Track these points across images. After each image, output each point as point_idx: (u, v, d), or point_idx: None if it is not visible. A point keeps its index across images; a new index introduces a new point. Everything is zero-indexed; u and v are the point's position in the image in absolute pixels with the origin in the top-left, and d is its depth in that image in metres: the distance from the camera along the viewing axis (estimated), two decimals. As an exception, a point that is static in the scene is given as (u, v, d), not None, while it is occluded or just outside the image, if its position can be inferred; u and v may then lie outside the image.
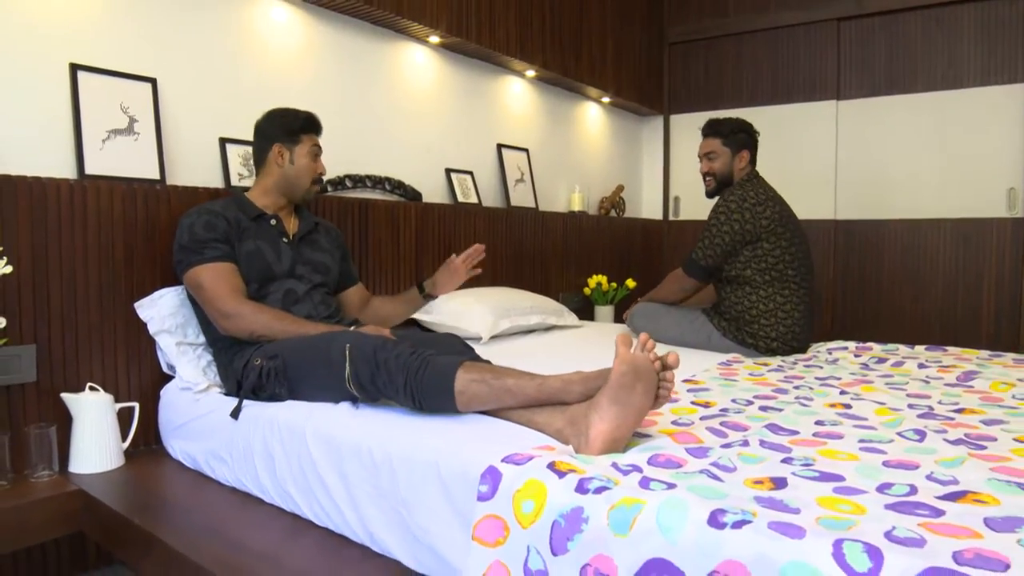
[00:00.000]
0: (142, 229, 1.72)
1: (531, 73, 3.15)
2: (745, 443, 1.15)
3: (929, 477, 1.00)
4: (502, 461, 1.01)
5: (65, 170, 1.65)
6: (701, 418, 1.33)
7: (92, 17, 1.71)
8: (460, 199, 2.76)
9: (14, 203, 1.50)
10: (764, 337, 2.14)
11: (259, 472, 1.42)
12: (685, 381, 1.68)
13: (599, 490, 0.91)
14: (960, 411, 1.41)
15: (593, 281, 3.30)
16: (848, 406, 1.44)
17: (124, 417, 1.64)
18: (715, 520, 0.81)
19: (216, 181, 1.98)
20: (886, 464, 1.06)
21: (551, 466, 0.98)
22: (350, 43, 2.39)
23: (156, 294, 1.71)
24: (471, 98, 2.91)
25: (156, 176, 1.79)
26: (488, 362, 1.54)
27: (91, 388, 1.58)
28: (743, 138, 2.28)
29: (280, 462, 1.37)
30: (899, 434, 1.23)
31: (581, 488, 0.92)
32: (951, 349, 2.12)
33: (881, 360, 2.00)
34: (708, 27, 3.90)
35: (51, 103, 1.64)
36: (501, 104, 3.07)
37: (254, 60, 2.09)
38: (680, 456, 1.07)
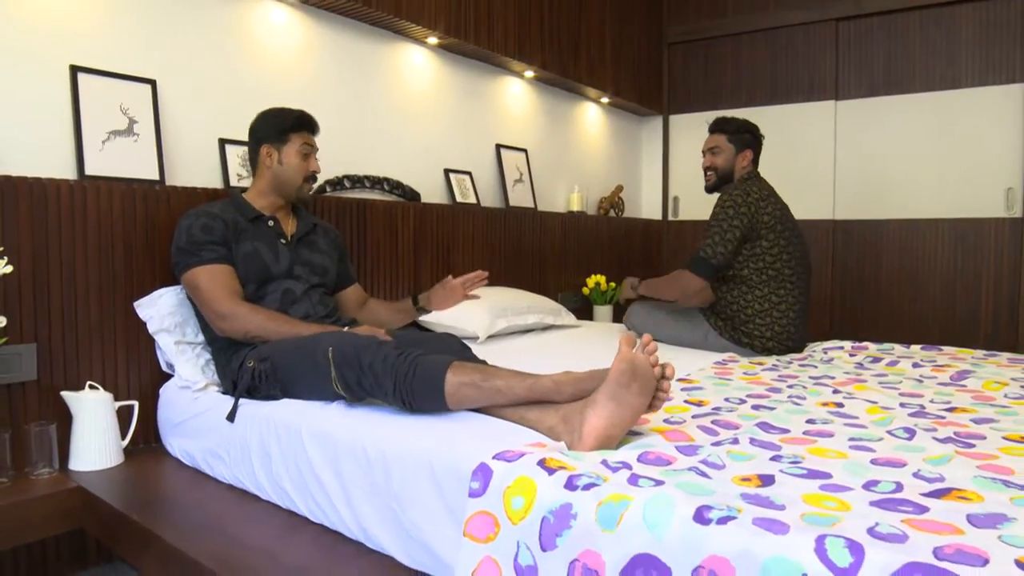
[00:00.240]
0: (142, 229, 1.74)
1: (530, 73, 3.16)
2: (735, 441, 1.17)
3: (916, 475, 1.01)
4: (493, 458, 1.02)
5: (65, 171, 1.67)
6: (693, 416, 1.35)
7: (92, 19, 1.73)
8: (459, 199, 2.78)
9: (15, 203, 1.52)
10: (760, 336, 2.15)
11: (256, 469, 1.43)
12: (680, 380, 1.69)
13: (588, 486, 0.92)
14: (951, 410, 1.42)
15: (592, 281, 3.31)
16: (840, 405, 1.45)
17: (123, 415, 1.66)
18: (700, 516, 0.82)
19: (215, 182, 2.00)
20: (874, 462, 1.07)
21: (541, 463, 0.99)
22: (349, 44, 2.40)
23: (155, 293, 1.73)
24: (470, 98, 2.92)
25: (156, 177, 1.80)
26: (484, 362, 1.55)
27: (91, 386, 1.60)
28: (748, 138, 2.30)
29: (276, 460, 1.38)
30: (889, 432, 1.24)
31: (570, 485, 0.93)
32: (946, 349, 2.13)
33: (876, 359, 2.01)
34: (707, 27, 3.91)
35: (51, 104, 1.65)
36: (500, 104, 3.09)
37: (253, 61, 2.11)
38: (670, 454, 1.09)
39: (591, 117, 3.76)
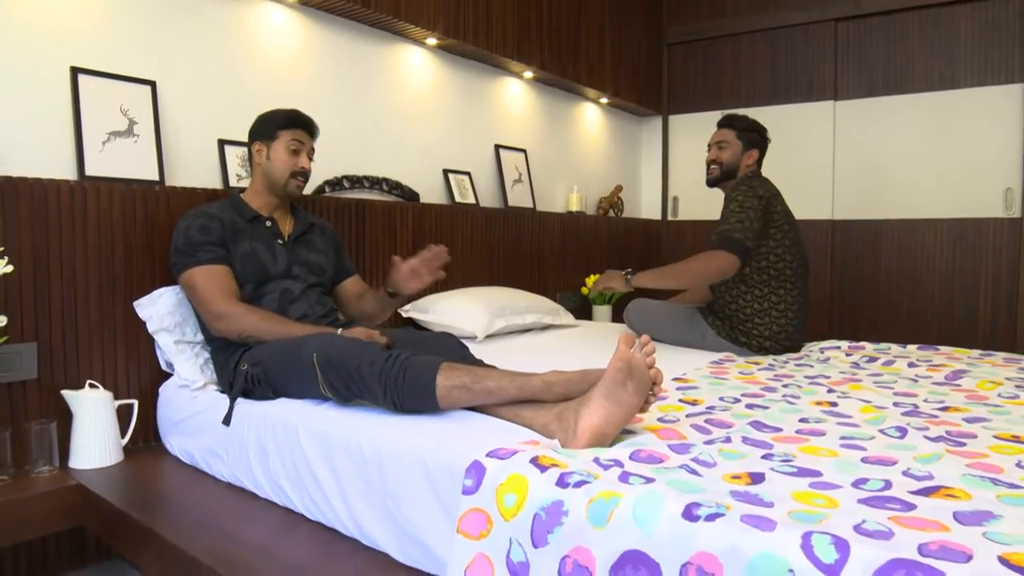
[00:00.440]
0: (141, 229, 1.75)
1: (529, 74, 3.17)
2: (727, 440, 1.17)
3: (905, 473, 1.02)
4: (486, 456, 1.03)
5: (66, 171, 1.68)
6: (687, 415, 1.36)
7: (92, 21, 1.75)
8: (458, 199, 2.79)
9: (16, 204, 1.54)
10: (757, 336, 2.15)
11: (253, 467, 1.45)
12: (675, 380, 1.70)
13: (579, 484, 0.93)
14: (944, 409, 1.42)
15: (591, 281, 3.32)
16: (834, 404, 1.46)
17: (123, 414, 1.67)
18: (689, 513, 0.83)
19: (215, 182, 2.01)
20: (864, 460, 1.08)
21: (534, 460, 1.00)
22: (348, 45, 2.41)
23: (155, 293, 1.74)
24: (469, 99, 2.93)
25: (155, 177, 1.82)
26: (480, 361, 1.56)
27: (91, 385, 1.61)
28: (755, 138, 2.30)
29: (273, 458, 1.40)
30: (881, 431, 1.25)
31: (561, 482, 0.94)
32: (943, 348, 2.13)
33: (872, 359, 2.01)
34: (706, 28, 3.92)
35: (52, 106, 1.67)
36: (499, 105, 3.10)
37: (252, 63, 2.12)
38: (662, 452, 1.10)
39: (590, 117, 3.77)
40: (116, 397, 1.66)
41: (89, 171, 1.69)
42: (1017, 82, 3.15)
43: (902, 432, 1.24)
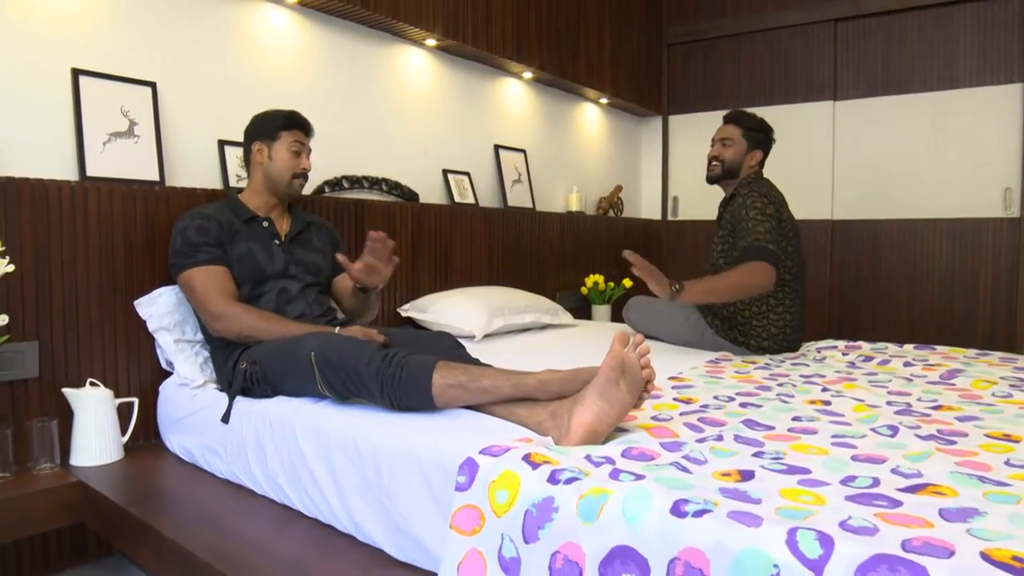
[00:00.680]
0: (142, 229, 1.77)
1: (528, 75, 3.18)
2: (719, 438, 1.19)
3: (894, 471, 1.03)
4: (479, 453, 1.04)
5: (67, 172, 1.70)
6: (681, 414, 1.37)
7: (93, 24, 1.76)
8: (457, 199, 2.80)
9: (17, 204, 1.55)
10: (756, 337, 2.16)
11: (251, 465, 1.46)
12: (671, 378, 1.71)
13: (570, 480, 0.94)
14: (937, 408, 1.43)
15: (590, 280, 3.33)
16: (827, 403, 1.47)
17: (124, 412, 1.69)
18: (677, 509, 0.84)
19: (215, 183, 2.03)
20: (854, 458, 1.09)
21: (526, 458, 1.01)
22: (347, 46, 2.43)
23: (155, 292, 1.76)
24: (468, 100, 2.95)
25: (156, 178, 1.83)
26: (476, 360, 1.58)
27: (92, 383, 1.63)
28: (761, 138, 2.26)
29: (271, 455, 1.41)
30: (873, 430, 1.26)
31: (553, 479, 0.95)
32: (939, 348, 2.14)
33: (868, 359, 2.02)
34: (706, 28, 3.93)
35: (53, 107, 1.68)
36: (498, 105, 3.11)
37: (252, 64, 2.13)
38: (653, 449, 1.11)
39: (590, 118, 3.78)
40: (116, 395, 1.67)
41: (90, 172, 1.71)
42: (1016, 82, 3.16)
43: (894, 431, 1.25)
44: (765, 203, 2.08)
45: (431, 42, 2.67)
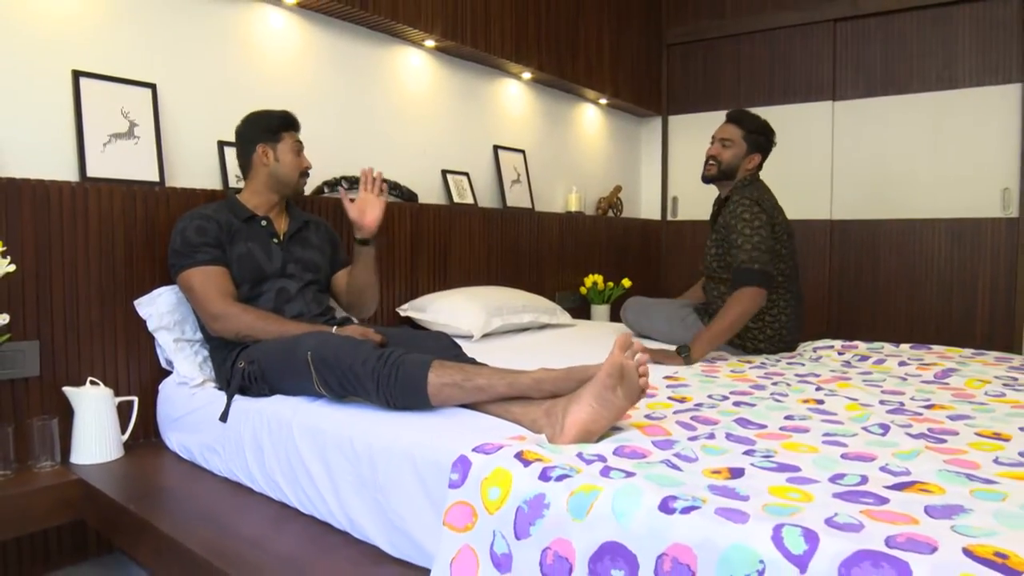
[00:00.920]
0: (142, 229, 1.78)
1: (527, 75, 3.19)
2: (711, 436, 1.20)
3: (883, 468, 1.04)
4: (472, 450, 1.06)
5: (67, 173, 1.72)
6: (674, 412, 1.38)
7: (94, 25, 1.78)
8: (456, 200, 2.81)
9: (18, 205, 1.57)
10: (752, 339, 2.17)
11: (249, 463, 1.48)
12: (666, 378, 1.72)
13: (561, 478, 0.95)
14: (930, 407, 1.44)
15: (589, 280, 3.34)
16: (821, 402, 1.48)
17: (123, 410, 1.70)
18: (666, 506, 0.85)
19: (214, 183, 2.04)
20: (844, 456, 1.10)
21: (518, 455, 1.02)
22: (347, 47, 2.44)
23: (155, 292, 1.77)
24: (467, 100, 2.96)
25: (156, 178, 1.85)
26: (472, 360, 1.59)
27: (92, 382, 1.64)
28: (762, 141, 2.22)
29: (268, 453, 1.43)
30: (864, 428, 1.27)
31: (544, 476, 0.96)
32: (935, 347, 2.15)
33: (864, 358, 2.03)
34: (706, 28, 3.94)
35: (54, 108, 1.70)
36: (497, 106, 3.12)
37: (252, 65, 2.15)
38: (645, 447, 1.12)
39: (589, 118, 3.79)
40: (116, 394, 1.69)
41: (90, 172, 1.73)
42: (1015, 82, 3.16)
43: (885, 429, 1.26)
44: (756, 211, 2.06)
45: (430, 43, 2.68)
